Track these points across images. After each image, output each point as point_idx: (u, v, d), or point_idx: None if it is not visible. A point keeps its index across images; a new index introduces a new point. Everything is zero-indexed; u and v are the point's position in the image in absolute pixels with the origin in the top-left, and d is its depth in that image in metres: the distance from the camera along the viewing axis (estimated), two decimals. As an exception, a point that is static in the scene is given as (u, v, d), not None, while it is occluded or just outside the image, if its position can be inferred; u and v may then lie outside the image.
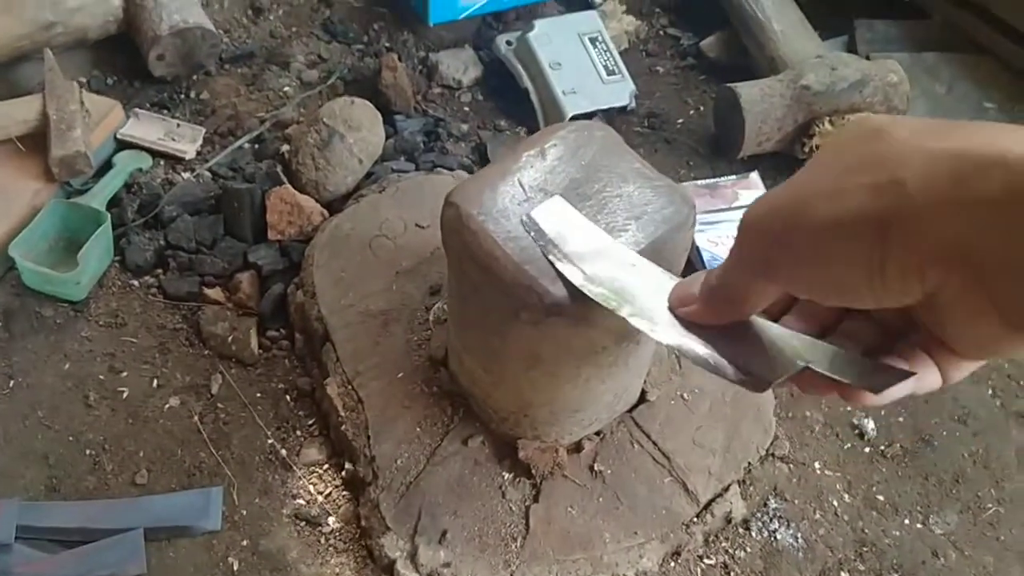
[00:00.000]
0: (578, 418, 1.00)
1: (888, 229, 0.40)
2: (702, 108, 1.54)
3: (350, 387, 1.06)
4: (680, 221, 0.86)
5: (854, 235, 0.41)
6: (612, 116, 1.47)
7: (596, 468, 1.03)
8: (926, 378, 0.49)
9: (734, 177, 1.36)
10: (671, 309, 0.62)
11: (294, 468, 1.05)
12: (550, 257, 0.80)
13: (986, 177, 0.37)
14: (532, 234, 0.82)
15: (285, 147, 1.29)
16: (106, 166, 1.27)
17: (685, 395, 1.09)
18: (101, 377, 1.11)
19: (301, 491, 1.04)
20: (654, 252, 0.82)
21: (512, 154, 0.91)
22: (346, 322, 1.10)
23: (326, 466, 1.06)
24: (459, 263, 0.90)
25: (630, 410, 1.07)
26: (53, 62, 1.27)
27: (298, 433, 1.09)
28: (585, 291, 0.74)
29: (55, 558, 0.96)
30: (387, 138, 1.31)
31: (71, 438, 1.06)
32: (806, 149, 1.38)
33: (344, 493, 1.04)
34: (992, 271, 0.39)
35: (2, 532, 0.96)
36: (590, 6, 1.59)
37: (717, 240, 1.27)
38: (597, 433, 1.05)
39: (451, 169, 1.31)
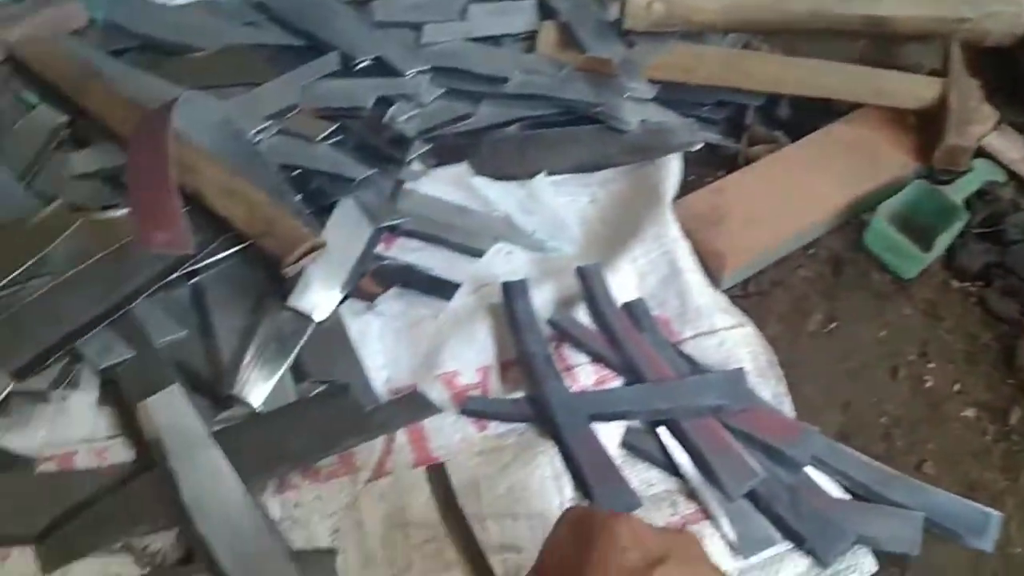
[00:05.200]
0: None
1: None
2: None
3: None
4: None
5: None
6: None
7: None
8: None
9: None
10: None
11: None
12: None
13: None
14: None
15: None
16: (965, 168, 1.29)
17: None
18: (911, 358, 1.14)
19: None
20: None
21: None
22: None
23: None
24: None
25: None
26: (959, 56, 1.30)
27: (1082, 502, 1.02)
28: None
29: (841, 499, 1.01)
30: None
31: (873, 400, 1.10)
32: None
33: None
34: None
35: (801, 453, 1.02)
36: None
37: None
38: None
39: None
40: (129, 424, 1.03)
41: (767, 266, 1.21)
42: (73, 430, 1.03)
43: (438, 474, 0.85)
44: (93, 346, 1.06)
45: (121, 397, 1.05)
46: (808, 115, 1.36)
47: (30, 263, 1.08)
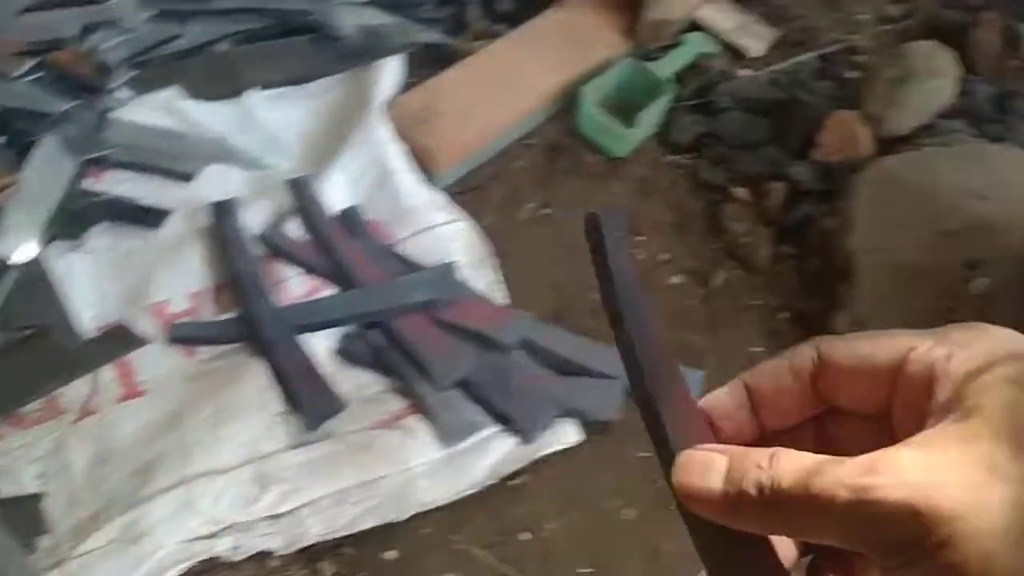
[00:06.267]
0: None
1: None
2: None
3: (857, 329, 1.02)
4: None
5: None
6: None
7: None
8: None
9: None
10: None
11: (774, 384, 1.05)
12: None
13: None
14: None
15: (853, 74, 1.25)
16: (675, 43, 1.30)
17: None
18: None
19: (775, 408, 1.03)
20: None
21: None
22: (873, 264, 1.06)
23: (806, 394, 1.05)
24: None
25: None
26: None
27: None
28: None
29: (547, 376, 1.04)
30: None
31: (582, 280, 1.12)
32: None
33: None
34: None
35: (509, 336, 1.04)
36: None
37: None
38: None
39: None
40: None
41: (487, 160, 1.21)
42: None
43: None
44: None
45: None
46: (531, 5, 1.35)
47: None
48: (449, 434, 0.98)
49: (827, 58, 1.31)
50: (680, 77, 1.27)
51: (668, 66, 1.25)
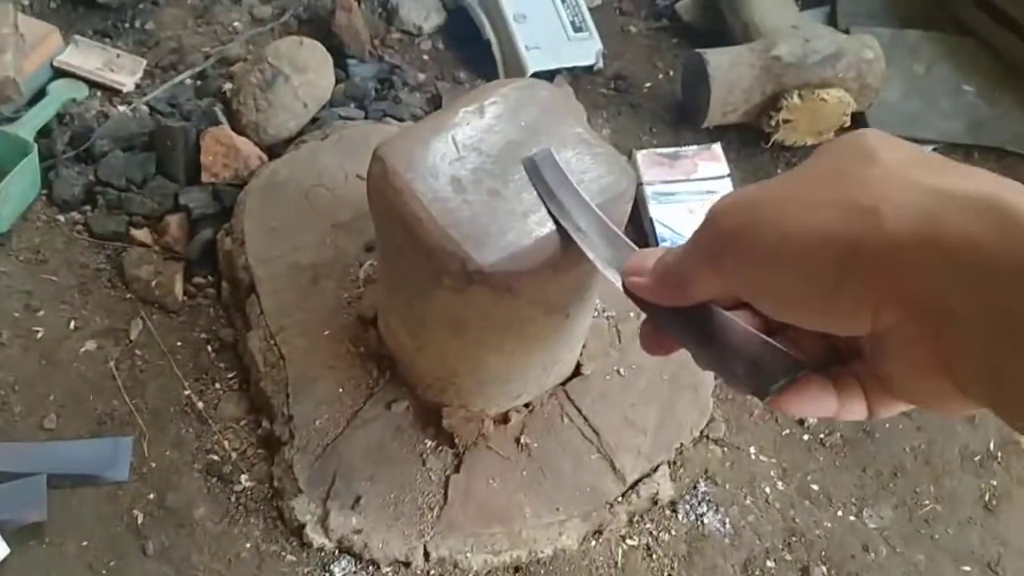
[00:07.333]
0: (505, 389, 0.97)
1: (851, 256, 0.36)
2: (671, 73, 1.48)
3: (272, 342, 1.01)
4: (618, 192, 0.82)
5: (814, 251, 0.38)
6: (577, 75, 1.42)
7: (522, 441, 0.99)
8: (852, 408, 0.45)
9: (695, 148, 1.31)
10: (623, 277, 0.55)
11: (210, 422, 1.01)
12: (550, 205, 0.75)
13: (972, 222, 0.34)
14: (533, 179, 0.78)
15: (228, 85, 1.23)
16: (40, 94, 1.22)
17: (622, 371, 1.05)
18: (16, 315, 1.06)
19: (215, 446, 1.00)
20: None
21: (449, 109, 0.86)
22: (274, 273, 1.05)
23: (243, 422, 1.02)
24: (383, 222, 0.85)
25: (564, 383, 1.03)
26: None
27: (217, 386, 1.04)
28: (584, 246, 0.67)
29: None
30: (337, 83, 1.26)
31: (-12, 376, 1.02)
32: (773, 122, 1.33)
33: (260, 451, 1.00)
34: (957, 330, 0.35)
35: None
36: (563, -42, 1.53)
37: (672, 213, 1.22)
38: (526, 405, 1.01)
39: (401, 120, 1.25)
40: None
41: None
42: None
43: None
44: None
45: None
46: None
47: None
48: None
49: (204, 75, 1.28)
50: (50, 130, 1.18)
51: (30, 123, 1.16)
